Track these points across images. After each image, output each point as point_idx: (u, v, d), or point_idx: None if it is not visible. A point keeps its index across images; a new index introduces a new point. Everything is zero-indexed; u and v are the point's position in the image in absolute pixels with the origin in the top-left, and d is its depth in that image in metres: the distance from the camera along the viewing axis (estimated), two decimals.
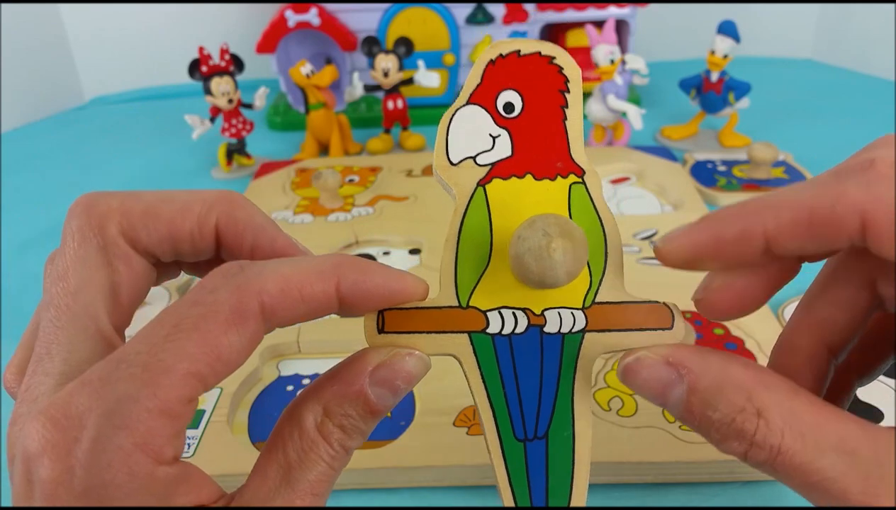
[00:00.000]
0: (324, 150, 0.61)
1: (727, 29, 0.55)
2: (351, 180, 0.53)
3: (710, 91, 0.58)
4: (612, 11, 0.65)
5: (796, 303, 0.36)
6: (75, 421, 0.14)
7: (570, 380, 0.18)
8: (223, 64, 0.55)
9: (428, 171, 0.54)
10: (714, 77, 0.57)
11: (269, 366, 0.34)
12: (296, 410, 0.16)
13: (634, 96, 0.68)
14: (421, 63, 0.59)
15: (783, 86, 0.74)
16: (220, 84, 0.54)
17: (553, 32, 0.69)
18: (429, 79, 0.59)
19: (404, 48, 0.57)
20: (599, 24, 0.56)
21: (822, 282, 0.18)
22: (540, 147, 0.18)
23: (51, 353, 0.16)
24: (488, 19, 0.64)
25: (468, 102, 0.18)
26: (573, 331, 0.18)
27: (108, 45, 0.81)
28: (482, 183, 0.18)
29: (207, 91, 0.55)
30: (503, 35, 0.65)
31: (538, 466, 0.17)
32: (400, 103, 0.60)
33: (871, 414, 0.29)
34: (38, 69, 0.77)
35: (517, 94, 0.18)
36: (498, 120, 0.18)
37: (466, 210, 0.18)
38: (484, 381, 0.17)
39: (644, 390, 0.16)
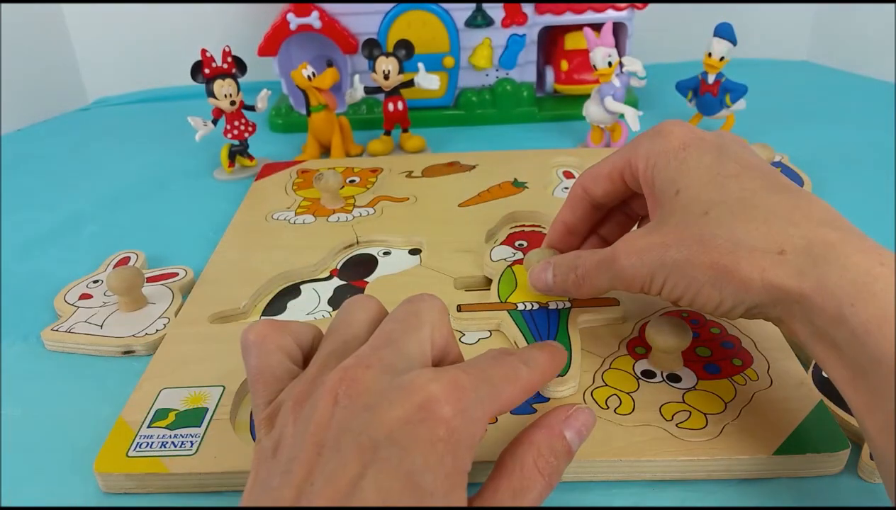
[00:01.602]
0: (325, 151, 0.62)
1: (723, 31, 0.56)
2: (352, 181, 0.53)
3: (707, 93, 0.58)
4: (610, 14, 0.65)
5: None
6: (462, 390, 0.20)
7: (565, 321, 0.34)
8: (225, 66, 0.55)
9: (428, 171, 0.55)
10: (711, 79, 0.57)
11: None
12: (517, 451, 0.22)
13: (632, 98, 0.68)
14: (421, 65, 0.60)
15: (779, 88, 0.75)
16: (222, 86, 0.55)
17: (551, 35, 0.70)
18: (429, 81, 0.59)
19: (404, 51, 0.58)
20: (597, 27, 0.57)
21: (565, 203, 0.35)
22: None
23: (396, 343, 0.23)
24: (487, 22, 0.65)
25: (500, 244, 0.43)
26: (564, 307, 0.35)
27: (111, 47, 0.81)
28: (510, 266, 0.39)
29: (210, 93, 0.55)
30: (502, 37, 0.66)
31: None
32: (400, 105, 0.60)
33: None
34: (41, 70, 0.77)
35: (525, 241, 0.43)
36: (515, 249, 0.42)
37: (503, 274, 0.38)
38: (516, 325, 0.34)
39: (536, 278, 0.33)
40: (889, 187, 0.51)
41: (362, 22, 0.65)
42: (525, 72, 0.69)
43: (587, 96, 0.59)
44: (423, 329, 0.23)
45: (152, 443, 0.29)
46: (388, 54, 0.58)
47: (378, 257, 0.44)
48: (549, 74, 0.70)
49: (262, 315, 0.39)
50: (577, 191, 0.33)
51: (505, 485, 0.21)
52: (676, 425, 0.29)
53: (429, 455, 0.19)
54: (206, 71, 0.54)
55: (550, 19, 0.66)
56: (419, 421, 0.19)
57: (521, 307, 0.35)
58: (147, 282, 0.41)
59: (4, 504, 0.28)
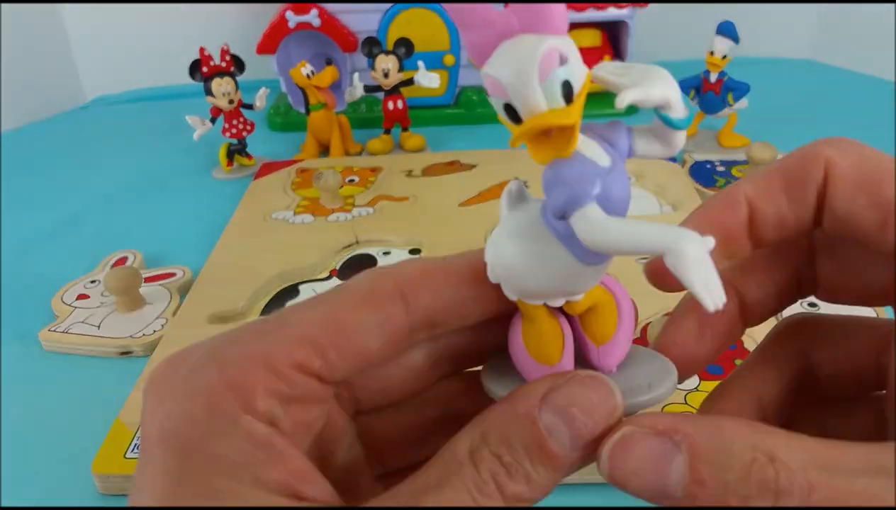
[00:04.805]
0: (324, 150, 0.61)
1: (726, 29, 0.55)
2: (351, 180, 0.53)
3: (709, 92, 0.58)
4: (612, 12, 0.65)
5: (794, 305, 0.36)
6: (184, 358, 0.14)
7: None
8: (224, 65, 0.55)
9: (428, 171, 0.54)
10: (713, 78, 0.57)
11: None
12: (454, 437, 0.14)
13: None
14: (421, 64, 0.59)
15: (782, 86, 0.74)
16: (220, 85, 0.55)
17: None
18: (429, 79, 0.59)
19: (404, 49, 0.58)
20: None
21: (756, 356, 0.19)
22: None
23: None
24: None
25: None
26: None
27: (109, 45, 0.81)
28: None
29: (208, 92, 0.55)
30: None
31: None
32: (400, 104, 0.60)
33: None
34: (40, 69, 0.77)
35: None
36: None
37: None
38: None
39: (641, 473, 0.14)
40: None
41: (362, 20, 0.64)
42: None
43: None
44: None
45: None
46: (387, 52, 0.57)
47: (378, 257, 0.44)
48: None
49: (261, 315, 0.39)
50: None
51: (411, 482, 0.16)
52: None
53: None
54: (205, 69, 0.54)
55: None
56: (143, 431, 0.15)
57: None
58: (145, 282, 0.41)
59: (4, 504, 0.28)
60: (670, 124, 0.14)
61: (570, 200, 0.14)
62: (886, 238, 0.15)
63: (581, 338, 0.16)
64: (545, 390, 0.14)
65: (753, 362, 0.19)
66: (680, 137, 0.15)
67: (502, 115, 0.14)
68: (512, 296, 0.15)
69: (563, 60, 0.13)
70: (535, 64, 0.13)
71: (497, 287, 0.15)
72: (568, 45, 0.13)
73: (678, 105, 0.14)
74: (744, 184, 0.16)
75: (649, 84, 0.14)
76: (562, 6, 0.13)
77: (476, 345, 0.17)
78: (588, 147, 0.14)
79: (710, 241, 0.13)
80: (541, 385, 0.14)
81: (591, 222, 0.13)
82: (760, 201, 0.15)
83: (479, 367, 0.18)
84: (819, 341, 0.18)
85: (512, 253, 0.15)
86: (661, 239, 0.13)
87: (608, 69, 0.14)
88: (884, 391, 0.17)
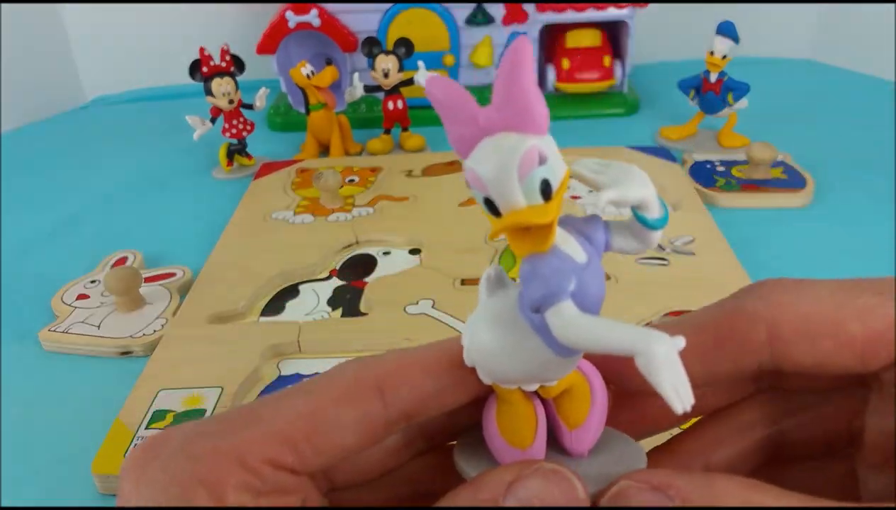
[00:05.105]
0: (324, 150, 0.61)
1: (726, 29, 0.55)
2: (351, 181, 0.53)
3: (709, 92, 0.58)
4: (612, 12, 0.65)
5: None
6: (160, 445, 0.14)
7: None
8: (224, 65, 0.55)
9: (428, 171, 0.54)
10: (713, 78, 0.57)
11: (269, 366, 0.35)
12: None
13: (634, 98, 0.68)
14: (421, 64, 0.59)
15: (782, 86, 0.74)
16: (220, 85, 0.55)
17: (552, 33, 0.69)
18: None
19: (404, 49, 0.58)
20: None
21: (717, 415, 0.18)
22: None
23: None
24: (488, 20, 0.64)
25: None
26: None
27: (110, 45, 0.81)
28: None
29: (208, 92, 0.55)
30: (503, 35, 0.65)
31: None
32: (400, 104, 0.60)
33: None
34: (40, 69, 0.77)
35: None
36: None
37: (504, 251, 0.33)
38: None
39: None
40: (892, 187, 0.51)
41: (362, 20, 0.64)
42: None
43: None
44: None
45: None
46: (387, 52, 0.57)
47: (378, 257, 0.44)
48: (550, 73, 0.70)
49: (261, 315, 0.39)
50: None
51: None
52: (679, 429, 0.28)
53: None
54: (205, 69, 0.54)
55: (551, 17, 0.66)
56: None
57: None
58: (145, 282, 0.41)
59: (4, 504, 0.28)
60: (646, 225, 0.15)
61: (546, 296, 0.14)
62: (873, 365, 0.15)
63: (554, 420, 0.17)
64: (510, 479, 0.14)
65: (712, 421, 0.18)
66: (655, 236, 0.15)
67: (483, 208, 0.14)
68: (487, 381, 0.16)
69: (542, 160, 0.13)
70: (516, 163, 0.13)
71: (475, 371, 0.16)
72: (548, 145, 0.14)
73: (654, 205, 0.15)
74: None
75: (626, 184, 0.14)
76: (543, 106, 0.13)
77: (451, 424, 0.18)
78: (565, 241, 0.15)
79: (681, 342, 0.13)
80: (506, 473, 0.15)
81: (565, 319, 0.14)
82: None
83: (454, 442, 0.18)
84: (790, 409, 0.17)
85: (488, 340, 0.15)
86: (631, 340, 0.13)
87: (587, 166, 0.15)
88: (852, 449, 0.17)
